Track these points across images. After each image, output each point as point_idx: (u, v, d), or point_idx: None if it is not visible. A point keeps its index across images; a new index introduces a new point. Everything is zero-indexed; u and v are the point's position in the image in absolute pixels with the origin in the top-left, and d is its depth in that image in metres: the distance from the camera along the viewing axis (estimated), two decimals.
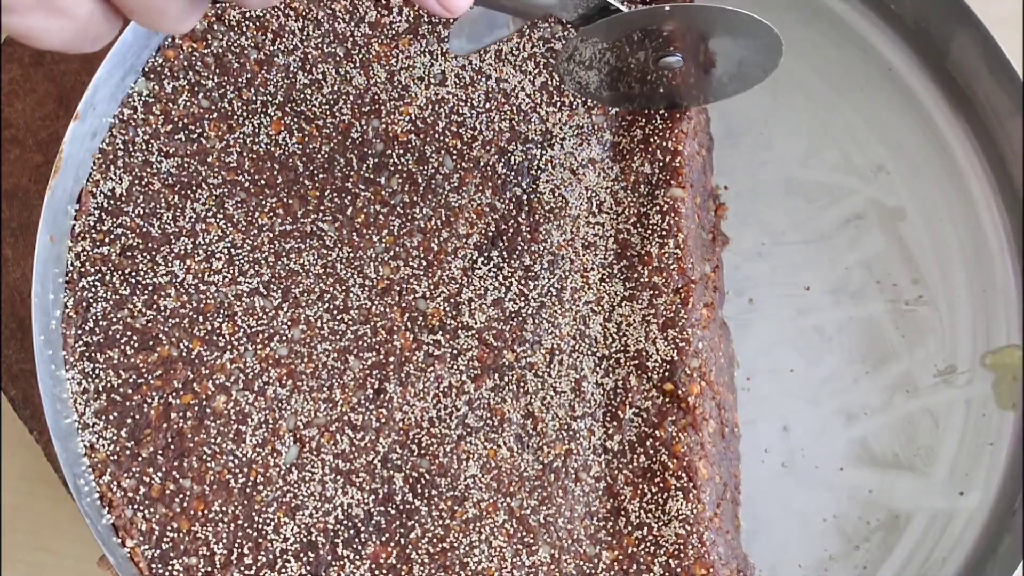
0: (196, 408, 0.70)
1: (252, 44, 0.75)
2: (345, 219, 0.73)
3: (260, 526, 0.69)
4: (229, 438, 0.70)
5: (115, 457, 0.70)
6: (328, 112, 0.75)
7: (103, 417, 0.70)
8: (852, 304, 0.79)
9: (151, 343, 0.71)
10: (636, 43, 0.68)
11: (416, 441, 0.70)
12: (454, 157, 0.74)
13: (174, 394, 0.70)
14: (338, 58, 0.75)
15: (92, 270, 0.72)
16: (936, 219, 0.80)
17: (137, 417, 0.70)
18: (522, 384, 0.71)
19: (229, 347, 0.71)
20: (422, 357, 0.71)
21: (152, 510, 0.69)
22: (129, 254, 0.72)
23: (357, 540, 0.69)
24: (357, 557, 0.69)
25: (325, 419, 0.70)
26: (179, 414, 0.70)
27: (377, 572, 0.69)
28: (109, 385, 0.70)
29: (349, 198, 0.73)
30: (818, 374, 0.78)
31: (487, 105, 0.75)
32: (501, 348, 0.72)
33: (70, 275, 0.72)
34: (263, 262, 0.72)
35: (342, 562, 0.69)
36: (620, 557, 0.69)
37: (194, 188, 0.73)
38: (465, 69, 0.75)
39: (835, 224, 0.80)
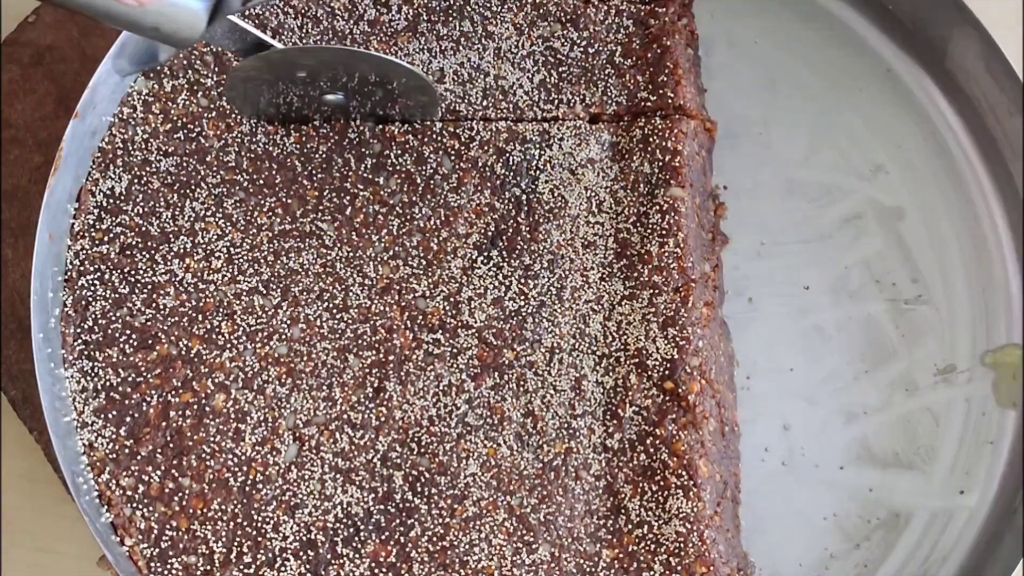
0: (195, 406, 0.70)
1: None
2: (344, 219, 0.73)
3: (259, 524, 0.69)
4: (228, 436, 0.70)
5: (114, 455, 0.69)
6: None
7: (102, 415, 0.70)
8: (851, 303, 0.79)
9: (150, 341, 0.71)
10: (301, 78, 0.71)
11: (416, 439, 0.70)
12: (452, 157, 0.74)
13: (173, 392, 0.70)
14: None
15: (91, 268, 0.72)
16: (935, 218, 0.80)
17: (136, 415, 0.70)
18: (522, 383, 0.71)
19: (228, 346, 0.71)
20: (422, 356, 0.71)
21: (151, 508, 0.69)
22: (128, 253, 0.72)
23: (357, 538, 0.69)
24: (356, 555, 0.69)
25: (324, 417, 0.70)
26: (178, 412, 0.70)
27: (377, 570, 0.68)
28: (108, 383, 0.70)
29: (348, 198, 0.73)
30: (818, 373, 0.78)
31: (484, 103, 0.75)
32: (501, 347, 0.71)
33: (69, 273, 0.72)
34: (262, 261, 0.72)
35: (341, 560, 0.68)
36: (620, 555, 0.69)
37: (193, 187, 0.73)
38: (463, 67, 0.75)
39: (834, 224, 0.80)
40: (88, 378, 0.70)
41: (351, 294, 0.72)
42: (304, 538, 0.69)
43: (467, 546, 0.69)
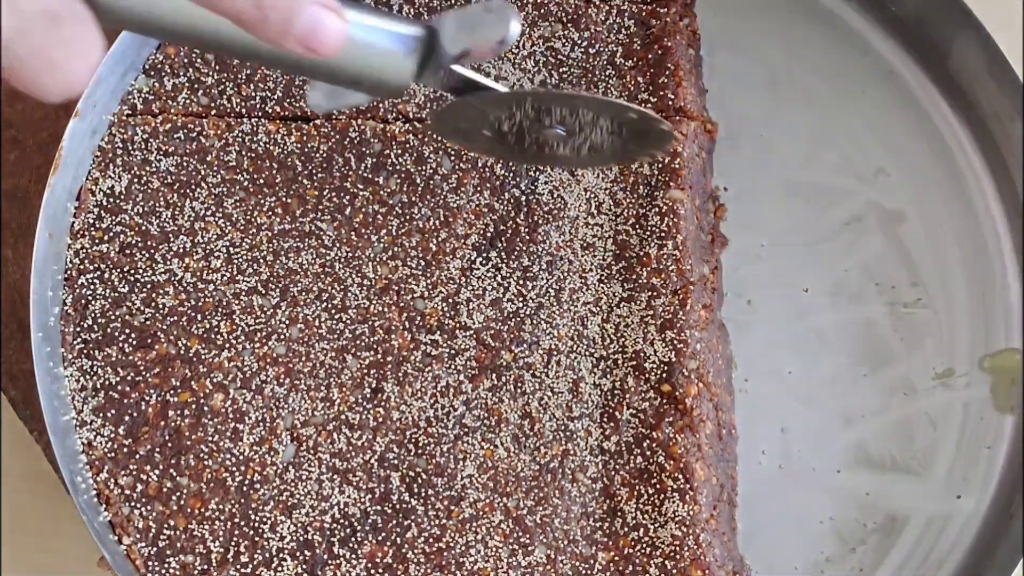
0: (194, 406, 0.70)
1: None
2: (344, 218, 0.73)
3: (257, 524, 0.69)
4: (226, 436, 0.70)
5: (112, 454, 0.70)
6: None
7: (101, 414, 0.70)
8: (851, 306, 0.79)
9: (149, 341, 0.71)
10: (524, 115, 0.65)
11: (413, 440, 0.70)
12: (452, 157, 0.74)
13: (172, 392, 0.71)
14: None
15: (91, 267, 0.72)
16: (936, 222, 0.80)
17: (135, 415, 0.70)
18: (520, 384, 0.71)
19: (227, 345, 0.71)
20: (420, 357, 0.71)
21: (149, 508, 0.69)
22: (128, 252, 0.72)
23: (353, 539, 0.69)
24: (353, 556, 0.69)
25: (322, 418, 0.71)
26: (177, 412, 0.70)
27: (373, 571, 0.69)
28: (107, 382, 0.71)
29: (348, 197, 0.73)
30: (816, 376, 0.78)
31: None
32: (499, 348, 0.72)
33: (69, 272, 0.72)
34: (262, 261, 0.72)
35: (338, 561, 0.69)
36: (616, 558, 0.69)
37: (193, 187, 0.73)
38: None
39: (834, 226, 0.80)
40: (87, 377, 0.71)
41: (350, 294, 0.72)
42: (301, 538, 0.69)
43: (463, 547, 0.69)
